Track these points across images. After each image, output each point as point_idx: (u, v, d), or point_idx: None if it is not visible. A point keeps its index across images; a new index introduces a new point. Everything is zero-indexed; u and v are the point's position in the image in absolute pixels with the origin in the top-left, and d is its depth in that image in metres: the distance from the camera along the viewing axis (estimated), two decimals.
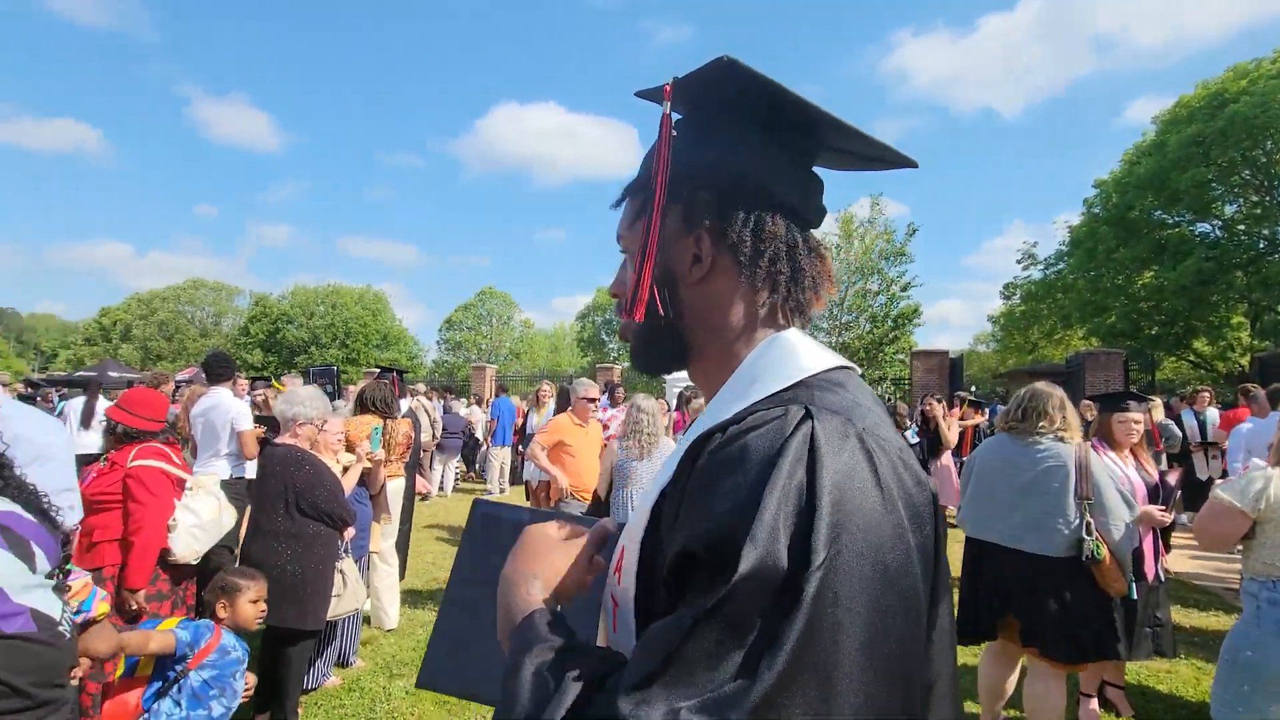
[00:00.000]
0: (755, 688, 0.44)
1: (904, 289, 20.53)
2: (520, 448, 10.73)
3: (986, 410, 9.92)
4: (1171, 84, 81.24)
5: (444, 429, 10.54)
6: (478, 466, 12.88)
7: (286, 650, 3.19)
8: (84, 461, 3.52)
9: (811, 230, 0.77)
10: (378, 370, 5.63)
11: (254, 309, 45.17)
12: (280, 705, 3.20)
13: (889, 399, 13.14)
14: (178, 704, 2.31)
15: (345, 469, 3.78)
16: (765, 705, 0.43)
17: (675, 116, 0.72)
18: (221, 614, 2.59)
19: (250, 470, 4.30)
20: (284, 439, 3.50)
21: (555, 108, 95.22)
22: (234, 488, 4.25)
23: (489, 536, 0.80)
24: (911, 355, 17.31)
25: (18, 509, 1.43)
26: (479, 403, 13.18)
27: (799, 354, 0.68)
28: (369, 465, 3.92)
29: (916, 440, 7.16)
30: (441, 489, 10.95)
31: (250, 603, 2.65)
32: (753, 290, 0.72)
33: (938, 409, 7.29)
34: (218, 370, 4.48)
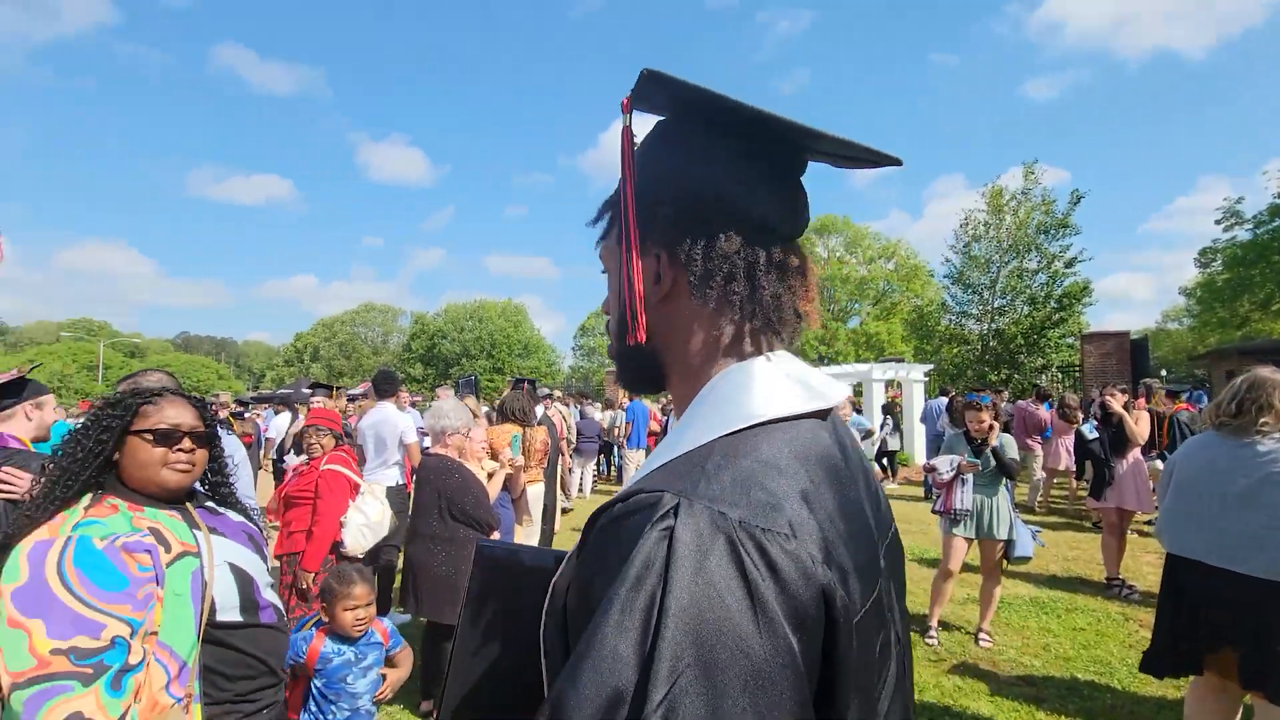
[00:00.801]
0: None
1: (1069, 265, 18.13)
2: None
3: (1184, 398, 8.35)
4: None
5: (579, 433, 10.97)
6: (613, 469, 13.27)
7: (445, 644, 3.47)
8: None
9: (792, 242, 0.71)
10: (514, 380, 5.95)
11: (414, 327, 50.06)
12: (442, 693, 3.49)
13: (1055, 389, 11.62)
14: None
15: (490, 475, 4.04)
16: None
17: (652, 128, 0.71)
18: (324, 618, 2.42)
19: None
20: (435, 449, 3.82)
21: None
22: (398, 495, 4.72)
23: (492, 580, 0.79)
24: (1081, 338, 15.30)
25: (244, 519, 1.66)
26: (608, 406, 13.54)
27: (741, 397, 0.61)
28: (511, 471, 4.16)
29: (1095, 436, 6.18)
30: (580, 491, 11.39)
31: (346, 610, 2.33)
32: (714, 314, 0.66)
33: (1119, 400, 6.26)
34: (384, 386, 5.01)
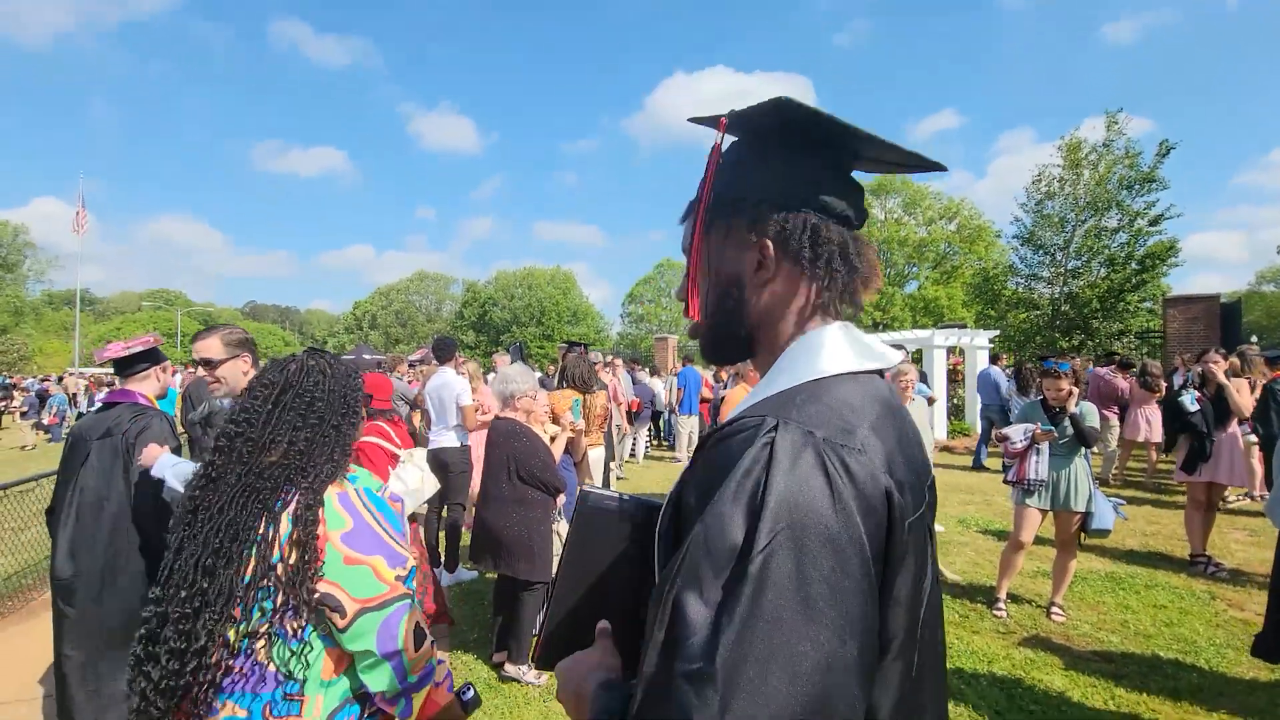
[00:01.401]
0: (720, 639, 0.55)
1: (1154, 222, 16.82)
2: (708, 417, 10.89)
3: None
4: None
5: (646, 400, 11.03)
6: (663, 435, 13.34)
7: (521, 596, 3.61)
8: None
9: (858, 230, 0.85)
10: (566, 345, 6.00)
11: (465, 295, 51.09)
12: (517, 644, 3.64)
13: (1135, 356, 10.86)
14: None
15: (552, 439, 4.10)
16: (730, 654, 0.54)
17: (731, 138, 0.84)
18: None
19: (472, 440, 4.87)
20: (504, 413, 3.89)
21: (724, 71, 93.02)
22: (461, 455, 4.86)
23: (593, 527, 0.85)
24: (1165, 302, 14.30)
25: None
26: (654, 373, 13.52)
27: (820, 354, 0.77)
28: (572, 435, 4.21)
29: (1197, 409, 5.71)
30: (633, 455, 11.51)
31: None
32: (808, 289, 0.81)
33: (1221, 367, 5.77)
34: (442, 352, 5.14)
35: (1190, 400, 5.54)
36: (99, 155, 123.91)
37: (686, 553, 0.61)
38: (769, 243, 0.80)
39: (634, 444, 11.50)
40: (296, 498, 1.32)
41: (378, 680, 1.34)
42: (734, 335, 0.84)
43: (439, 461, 4.86)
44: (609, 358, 9.88)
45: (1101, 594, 4.76)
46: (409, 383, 6.77)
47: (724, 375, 9.87)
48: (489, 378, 5.59)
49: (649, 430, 12.51)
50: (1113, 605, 4.55)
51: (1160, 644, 3.93)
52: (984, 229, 34.76)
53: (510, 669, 3.62)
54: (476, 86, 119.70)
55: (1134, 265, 16.91)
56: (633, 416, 10.83)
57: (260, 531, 1.29)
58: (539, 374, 11.10)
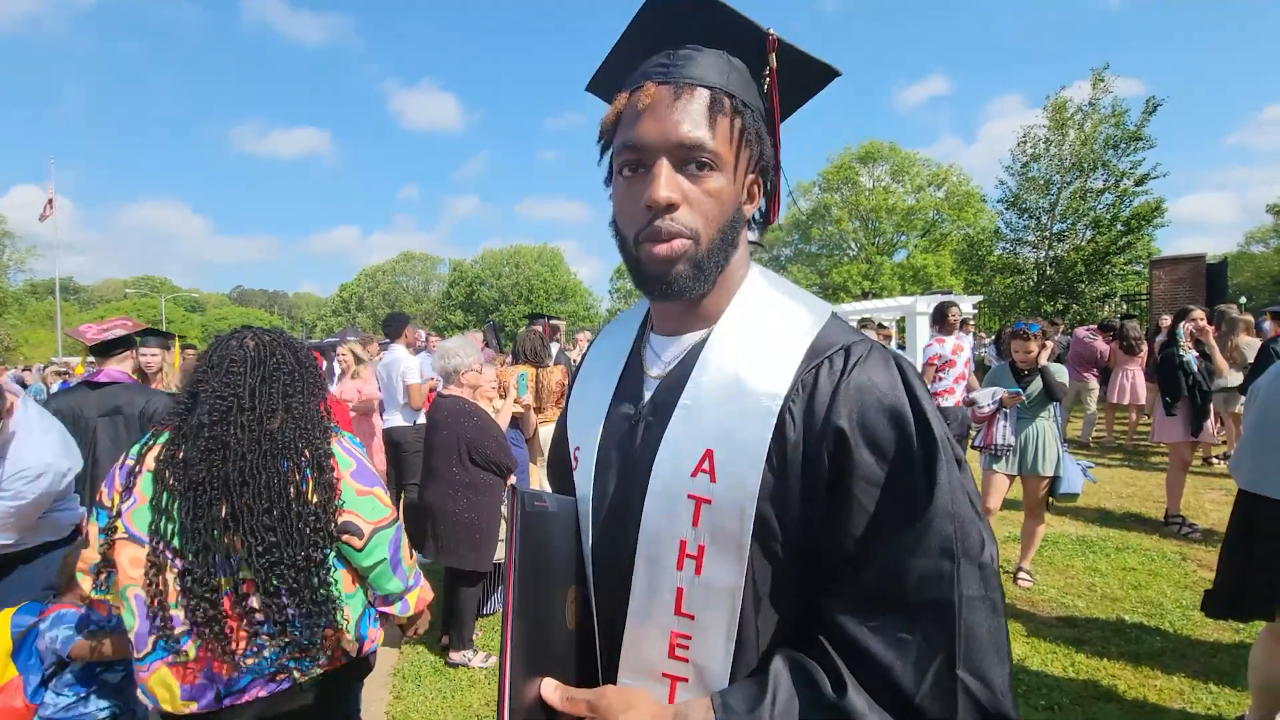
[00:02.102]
0: (937, 493, 0.69)
1: (1139, 182, 16.60)
2: None
3: None
4: None
5: None
6: None
7: (463, 588, 3.46)
8: None
9: None
10: (529, 319, 5.79)
11: (452, 274, 50.54)
12: (459, 631, 3.51)
13: (1115, 318, 10.70)
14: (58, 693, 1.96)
15: (497, 411, 3.93)
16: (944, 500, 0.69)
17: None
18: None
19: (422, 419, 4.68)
20: (449, 390, 3.69)
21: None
22: (412, 433, 4.66)
23: (533, 528, 0.79)
24: (1151, 264, 14.17)
25: None
26: None
27: (792, 289, 0.89)
28: (519, 410, 4.05)
29: (1197, 366, 5.40)
30: None
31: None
32: (747, 228, 0.87)
33: (1208, 329, 5.59)
34: (392, 328, 4.93)
35: (1193, 359, 5.36)
36: (77, 141, 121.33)
37: (867, 447, 0.72)
38: (757, 175, 0.84)
39: None
40: (307, 451, 1.59)
41: (390, 584, 1.69)
42: (720, 264, 0.82)
43: (391, 441, 4.69)
44: (576, 335, 9.66)
45: (1071, 558, 4.67)
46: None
47: None
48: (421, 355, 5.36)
49: None
50: (1081, 569, 4.47)
51: (1126, 608, 3.85)
52: (972, 195, 34.43)
53: (455, 655, 3.50)
54: (459, 63, 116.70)
55: (1120, 227, 16.75)
56: None
57: (294, 484, 1.55)
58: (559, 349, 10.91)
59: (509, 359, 4.98)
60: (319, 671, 1.60)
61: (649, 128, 0.76)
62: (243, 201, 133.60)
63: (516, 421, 4.10)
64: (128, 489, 1.53)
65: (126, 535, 1.50)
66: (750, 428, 0.74)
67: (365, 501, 1.64)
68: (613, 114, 0.82)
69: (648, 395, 0.86)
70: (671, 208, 0.76)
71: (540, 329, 4.93)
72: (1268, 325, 6.30)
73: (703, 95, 0.77)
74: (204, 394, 1.57)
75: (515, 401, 3.98)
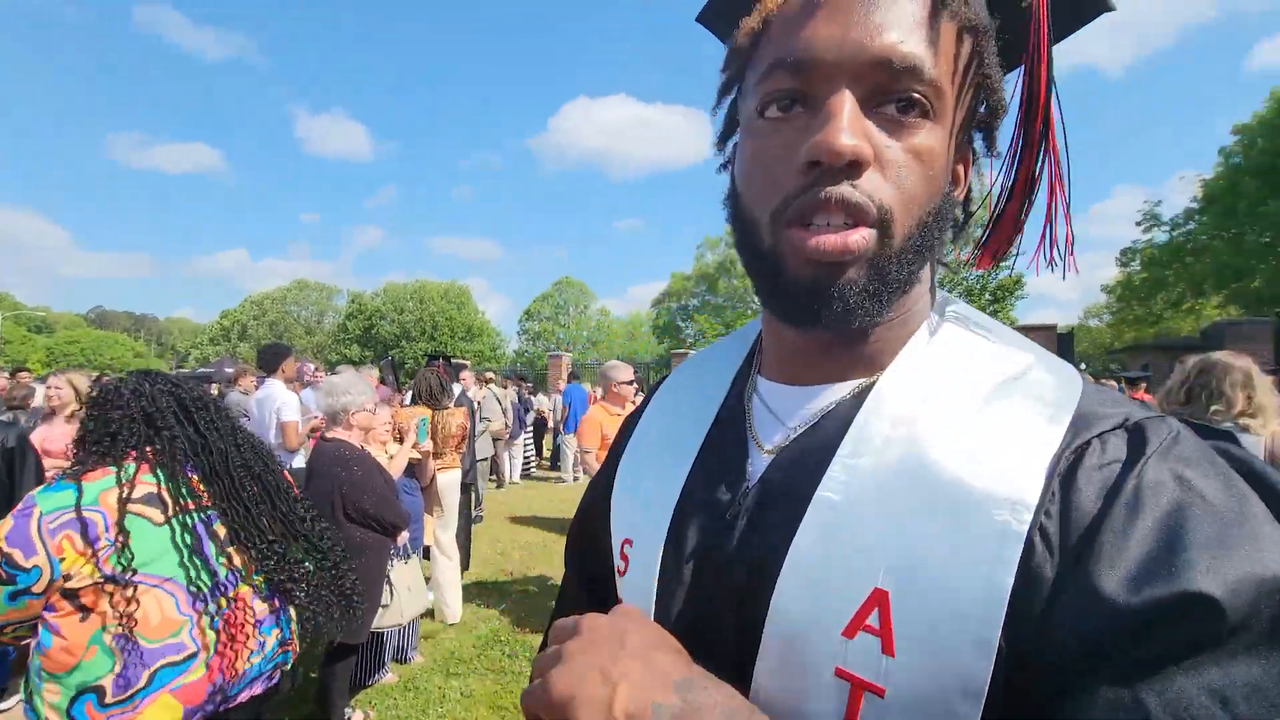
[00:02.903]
0: None
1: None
2: None
3: (1143, 386, 8.21)
4: None
5: (516, 417, 10.56)
6: (552, 455, 12.90)
7: (332, 665, 3.08)
8: None
9: None
10: (428, 358, 5.51)
11: (350, 306, 47.96)
12: (327, 716, 3.09)
13: None
14: None
15: (391, 458, 3.64)
16: None
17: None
18: None
19: (301, 462, 4.27)
20: (334, 433, 3.37)
21: (626, 99, 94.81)
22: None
23: None
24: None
25: None
26: (531, 389, 13.10)
27: (1001, 329, 0.57)
28: (417, 456, 3.78)
29: None
30: (512, 476, 11.01)
31: None
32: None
33: None
34: (267, 360, 4.47)
35: None
36: None
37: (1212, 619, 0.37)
38: (969, 157, 0.57)
39: (510, 461, 11.00)
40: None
41: None
42: (910, 278, 0.51)
43: None
44: (484, 374, 9.37)
45: None
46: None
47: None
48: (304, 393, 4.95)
49: (528, 447, 12.03)
50: None
51: None
52: None
53: None
54: (373, 95, 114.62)
55: (987, 296, 18.69)
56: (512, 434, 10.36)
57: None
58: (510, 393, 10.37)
59: (406, 398, 4.68)
60: (289, 664, 1.81)
61: (826, 32, 0.46)
62: (114, 216, 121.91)
63: (415, 469, 3.82)
64: (88, 541, 1.47)
65: (100, 580, 1.47)
66: (969, 561, 0.42)
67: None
68: (756, 19, 0.50)
69: (755, 475, 0.55)
70: (855, 167, 0.46)
71: (439, 368, 4.68)
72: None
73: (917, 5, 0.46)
74: (202, 438, 1.74)
75: (414, 448, 3.71)
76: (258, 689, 1.68)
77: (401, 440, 3.84)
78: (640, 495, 0.63)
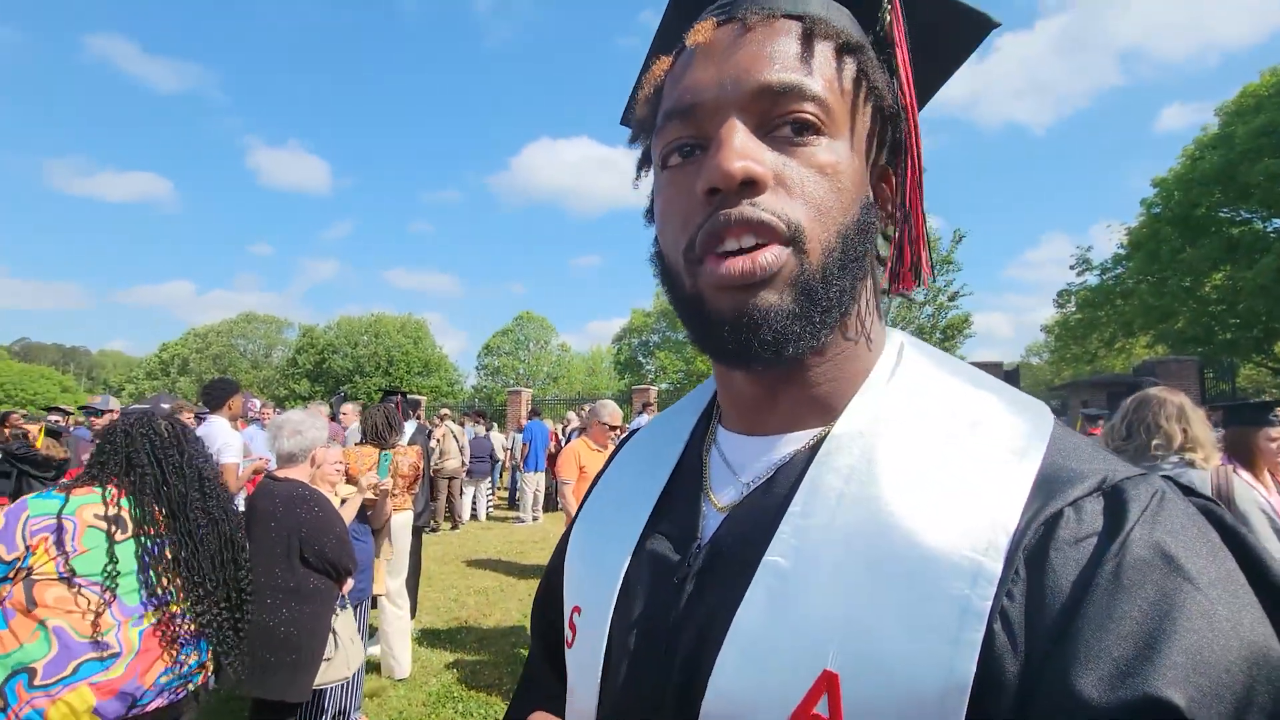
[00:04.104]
0: None
1: (952, 298, 19.65)
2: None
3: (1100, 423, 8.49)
4: (1205, 88, 79.85)
5: (473, 455, 10.28)
6: (510, 493, 12.56)
7: None
8: None
9: None
10: (382, 394, 5.31)
11: (301, 340, 46.47)
12: None
13: None
14: None
15: (343, 502, 3.44)
16: None
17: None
18: None
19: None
20: (288, 472, 3.16)
21: (589, 142, 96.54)
22: None
23: None
24: None
25: None
26: (486, 425, 12.74)
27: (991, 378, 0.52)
28: (372, 497, 3.58)
29: None
30: (474, 515, 10.66)
31: None
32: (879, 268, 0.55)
33: None
34: (212, 396, 4.22)
35: None
36: None
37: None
38: (891, 175, 0.54)
39: (474, 501, 10.66)
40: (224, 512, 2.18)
41: None
42: (843, 299, 0.48)
43: None
44: (441, 411, 9.13)
45: None
46: None
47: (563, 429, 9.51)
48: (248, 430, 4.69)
49: (489, 487, 11.71)
50: None
51: None
52: None
53: None
54: (331, 128, 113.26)
55: (938, 334, 19.39)
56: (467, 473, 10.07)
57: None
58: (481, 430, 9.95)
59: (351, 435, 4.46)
60: (197, 684, 1.99)
61: (705, 76, 0.48)
62: (46, 243, 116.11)
63: (369, 511, 3.61)
64: (60, 539, 1.83)
65: (57, 578, 1.80)
66: (926, 641, 0.38)
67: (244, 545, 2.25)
68: (648, 88, 0.53)
69: (707, 534, 0.52)
70: (751, 187, 0.45)
71: (396, 404, 4.50)
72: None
73: (791, 27, 0.48)
74: (167, 462, 2.06)
75: (371, 487, 3.51)
76: (161, 701, 1.89)
77: (352, 481, 3.64)
78: (590, 559, 0.59)
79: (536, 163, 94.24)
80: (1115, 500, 0.40)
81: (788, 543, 0.45)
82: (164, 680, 1.88)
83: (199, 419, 7.00)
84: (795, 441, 0.51)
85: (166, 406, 6.75)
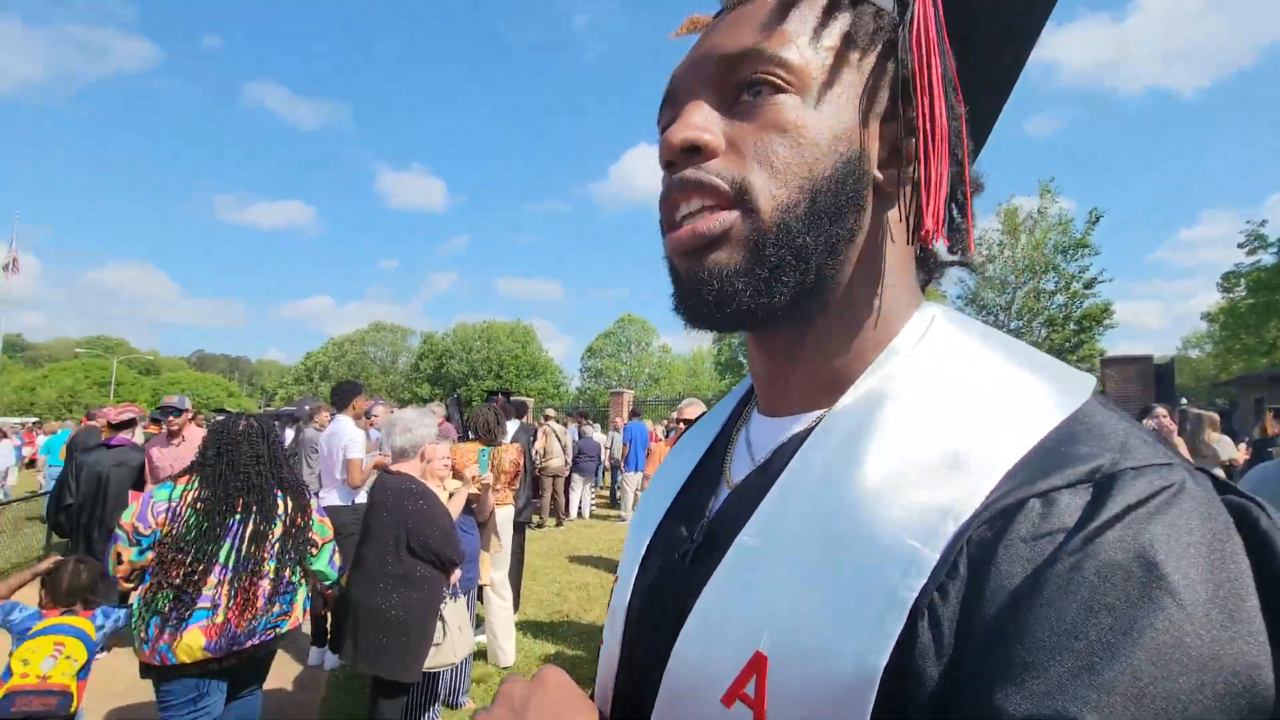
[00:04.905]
0: None
1: (1088, 285, 17.64)
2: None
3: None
4: None
5: (580, 453, 10.58)
6: (610, 492, 12.80)
7: (380, 700, 3.02)
8: None
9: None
10: (488, 395, 5.58)
11: (422, 347, 50.07)
12: None
13: None
14: None
15: (450, 495, 3.64)
16: None
17: None
18: None
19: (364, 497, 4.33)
20: (400, 467, 3.40)
21: None
22: (349, 514, 4.29)
23: None
24: (1102, 362, 14.71)
25: None
26: (594, 427, 13.06)
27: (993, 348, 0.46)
28: (475, 490, 3.77)
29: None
30: (580, 512, 10.96)
31: None
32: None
33: (1171, 428, 5.55)
34: (339, 397, 4.65)
35: None
36: (54, 202, 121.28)
37: None
38: (904, 134, 0.47)
39: (580, 499, 10.96)
40: (293, 499, 2.69)
41: (330, 573, 2.80)
42: (813, 258, 0.45)
43: None
44: (546, 412, 9.47)
45: None
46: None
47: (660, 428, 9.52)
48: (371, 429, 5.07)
49: (594, 486, 11.99)
50: None
51: None
52: (931, 292, 36.00)
53: None
54: (447, 150, 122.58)
55: (1072, 326, 17.54)
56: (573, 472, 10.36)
57: (289, 514, 2.63)
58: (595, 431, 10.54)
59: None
60: (286, 629, 2.58)
61: (683, 61, 0.50)
62: (216, 267, 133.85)
63: (474, 504, 3.81)
64: (174, 517, 2.43)
65: (177, 549, 2.37)
66: (848, 628, 0.36)
67: (320, 526, 2.78)
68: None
69: (713, 511, 0.53)
70: (697, 153, 0.46)
71: (497, 404, 4.72)
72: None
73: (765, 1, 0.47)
74: (235, 457, 2.56)
75: (473, 480, 3.70)
76: (255, 641, 2.44)
77: (458, 476, 3.85)
78: (629, 536, 0.64)
79: (635, 168, 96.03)
80: (1102, 492, 0.34)
81: (760, 522, 0.44)
82: (254, 626, 2.41)
83: (331, 417, 7.71)
84: (805, 421, 0.50)
85: (308, 408, 7.49)
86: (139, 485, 4.56)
